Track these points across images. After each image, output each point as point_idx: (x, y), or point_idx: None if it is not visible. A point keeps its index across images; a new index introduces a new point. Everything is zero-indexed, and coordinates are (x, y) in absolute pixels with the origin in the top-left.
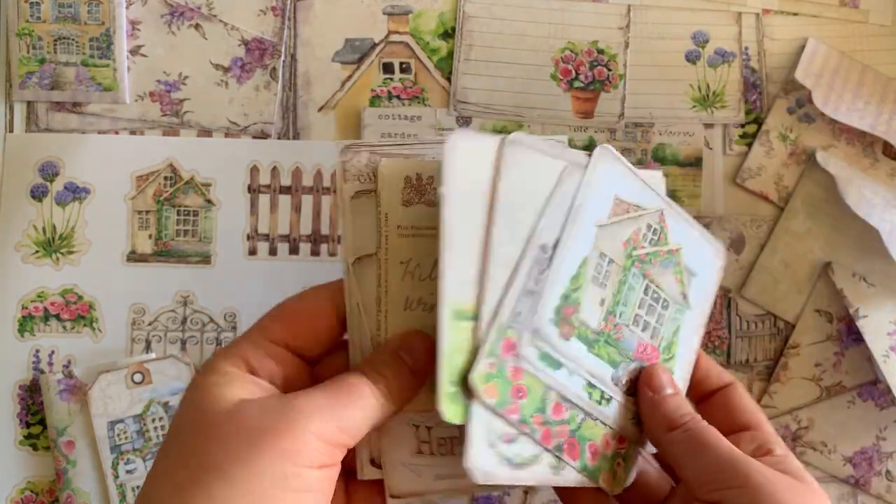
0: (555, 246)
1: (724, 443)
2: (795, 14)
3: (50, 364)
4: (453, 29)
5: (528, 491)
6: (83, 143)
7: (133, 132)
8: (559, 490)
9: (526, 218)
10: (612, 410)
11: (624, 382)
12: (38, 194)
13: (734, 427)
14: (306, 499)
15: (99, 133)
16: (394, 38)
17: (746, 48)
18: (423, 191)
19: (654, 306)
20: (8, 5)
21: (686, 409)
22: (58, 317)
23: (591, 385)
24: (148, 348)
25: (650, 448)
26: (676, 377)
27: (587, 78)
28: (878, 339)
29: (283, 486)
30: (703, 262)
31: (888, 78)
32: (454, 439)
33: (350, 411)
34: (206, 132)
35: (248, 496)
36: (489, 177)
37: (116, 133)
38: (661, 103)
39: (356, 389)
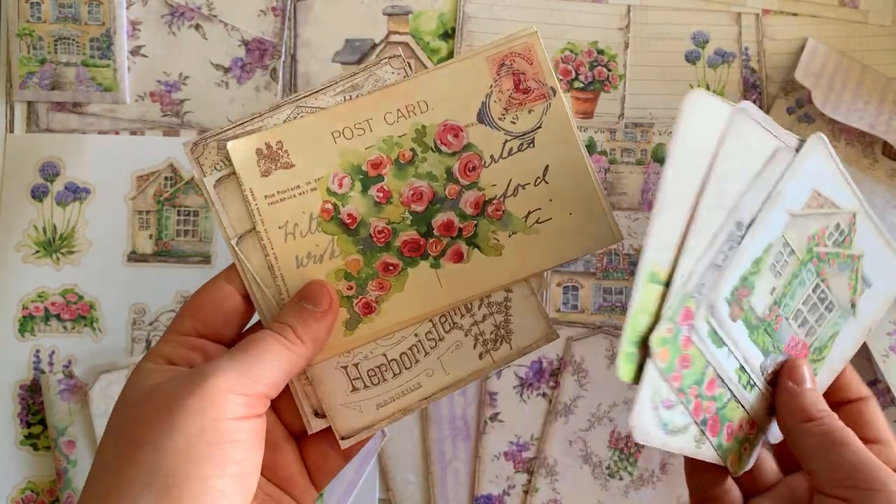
0: (749, 225)
1: (861, 444)
2: (795, 14)
3: (50, 364)
4: (453, 29)
5: (527, 490)
6: (83, 144)
7: (133, 132)
8: (689, 462)
9: (732, 190)
10: (753, 396)
11: (769, 372)
12: (38, 194)
13: (864, 439)
14: (231, 449)
15: (99, 133)
16: (394, 38)
17: (746, 48)
18: (277, 157)
19: (817, 306)
20: (8, 5)
21: (823, 405)
22: (58, 317)
23: (742, 369)
24: (148, 348)
25: (772, 437)
26: (818, 378)
27: (587, 78)
28: (877, 338)
29: (203, 440)
30: (884, 274)
31: (888, 78)
32: (383, 367)
33: (256, 362)
34: (206, 132)
35: (173, 455)
36: (714, 143)
37: (117, 133)
38: (661, 103)
39: (260, 342)
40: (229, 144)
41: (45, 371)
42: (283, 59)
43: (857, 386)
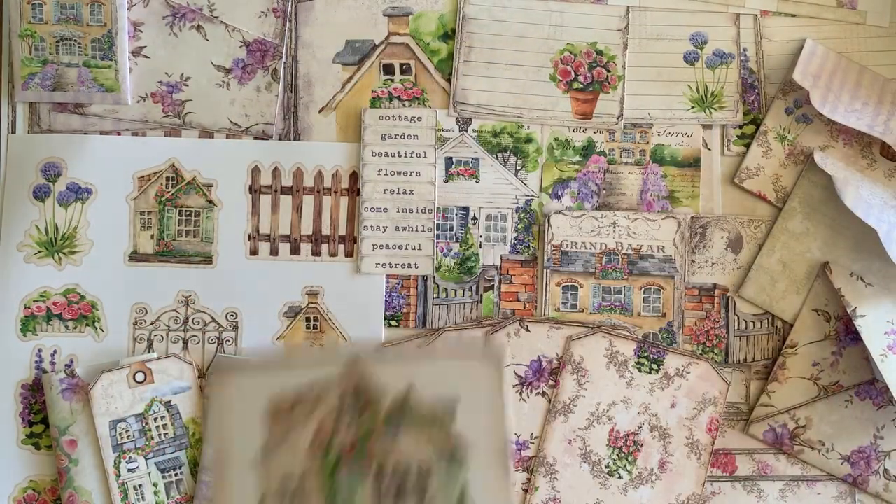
0: None
1: None
2: (793, 15)
3: (52, 363)
4: (453, 30)
5: (527, 489)
6: (85, 144)
7: (135, 133)
8: None
9: None
10: None
11: None
12: (40, 195)
13: None
14: None
15: (101, 134)
16: (394, 39)
17: (745, 49)
18: None
19: (402, 488)
20: (10, 7)
21: None
22: (60, 316)
23: None
24: (150, 348)
25: None
26: None
27: (586, 79)
28: (875, 338)
29: None
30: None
31: (886, 79)
32: None
33: None
34: (207, 133)
35: None
36: None
37: (118, 134)
38: (660, 104)
39: None
40: None
41: (47, 370)
42: (283, 59)
43: None
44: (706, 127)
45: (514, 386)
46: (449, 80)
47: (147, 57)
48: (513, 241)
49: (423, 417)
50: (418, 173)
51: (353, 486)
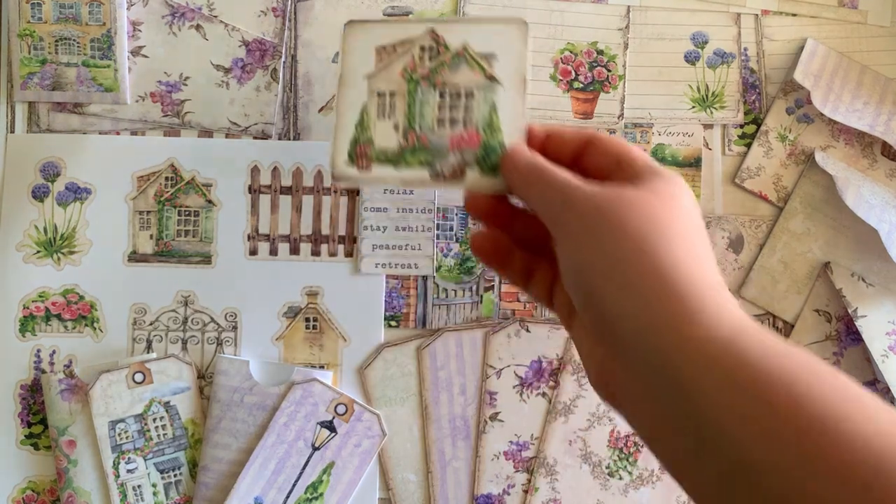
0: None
1: (559, 172)
2: (794, 15)
3: (51, 364)
4: None
5: (527, 490)
6: (84, 144)
7: (134, 133)
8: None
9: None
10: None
11: (447, 172)
12: (39, 194)
13: (609, 168)
14: None
15: (100, 133)
16: None
17: (745, 49)
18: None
19: (456, 103)
20: (9, 6)
21: (527, 152)
22: (59, 316)
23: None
24: (149, 348)
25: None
26: (511, 139)
27: (587, 78)
28: (876, 338)
29: None
30: (502, 43)
31: (887, 78)
32: None
33: None
34: (206, 133)
35: None
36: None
37: (117, 133)
38: (661, 104)
39: None
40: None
41: (46, 371)
42: (283, 59)
43: (571, 134)
44: (707, 127)
45: (513, 387)
46: None
47: (146, 56)
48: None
49: (473, 61)
50: None
51: (426, 97)
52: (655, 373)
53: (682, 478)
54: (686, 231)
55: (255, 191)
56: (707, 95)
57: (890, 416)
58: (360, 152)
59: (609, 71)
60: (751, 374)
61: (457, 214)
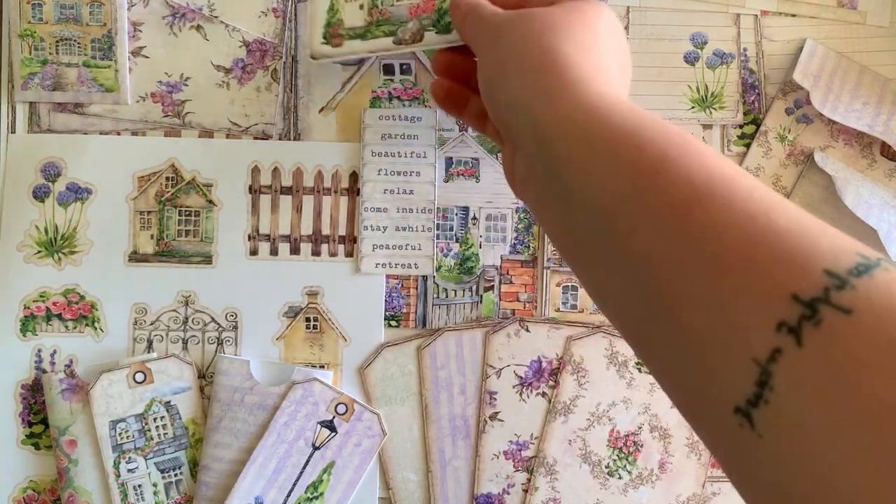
0: None
1: (487, 6)
2: (794, 15)
3: (52, 363)
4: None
5: (527, 489)
6: (85, 144)
7: (135, 133)
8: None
9: None
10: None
11: (408, 37)
12: (40, 195)
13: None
14: None
15: (101, 134)
16: None
17: (745, 49)
18: None
19: None
20: (10, 6)
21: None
22: (60, 316)
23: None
24: (149, 348)
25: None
26: None
27: None
28: None
29: None
30: None
31: (886, 79)
32: None
33: None
34: (207, 133)
35: None
36: None
37: (118, 134)
38: (660, 104)
39: None
40: None
41: (47, 370)
42: (283, 59)
43: None
44: (706, 127)
45: (513, 387)
46: None
47: (147, 57)
48: (513, 241)
49: None
50: (418, 173)
51: None
52: (537, 149)
53: (566, 253)
54: (586, 36)
55: (255, 191)
56: (706, 96)
57: (722, 160)
58: (333, 32)
59: None
60: (605, 132)
61: (456, 214)
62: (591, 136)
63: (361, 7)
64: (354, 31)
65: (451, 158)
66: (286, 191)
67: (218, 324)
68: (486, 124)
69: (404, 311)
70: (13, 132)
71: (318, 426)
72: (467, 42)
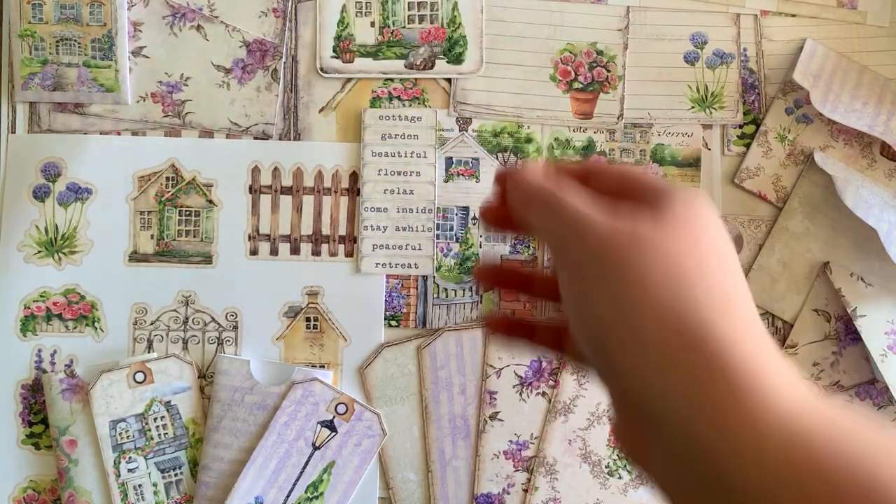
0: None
1: (569, 196)
2: (793, 15)
3: (52, 363)
4: None
5: (527, 489)
6: (85, 144)
7: (135, 133)
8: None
9: None
10: None
11: (419, 62)
12: (40, 195)
13: (614, 192)
14: None
15: (101, 134)
16: None
17: (745, 49)
18: None
19: (423, 1)
20: (10, 7)
21: (539, 177)
22: (60, 316)
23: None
24: (150, 348)
25: None
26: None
27: (586, 79)
28: (875, 338)
29: None
30: None
31: (886, 79)
32: None
33: None
34: (207, 133)
35: None
36: None
37: (118, 134)
38: (660, 104)
39: None
40: None
41: (47, 370)
42: (283, 59)
43: (573, 164)
44: (706, 127)
45: (513, 386)
46: (449, 80)
47: (147, 57)
48: (513, 240)
49: None
50: (418, 173)
51: None
52: (694, 460)
53: None
54: (722, 277)
55: (255, 191)
56: (706, 96)
57: None
58: (344, 47)
59: (608, 71)
60: (816, 480)
61: (456, 214)
62: (795, 481)
63: (373, 24)
64: (366, 49)
65: (451, 158)
66: (286, 191)
67: (218, 324)
68: (567, 340)
69: (404, 311)
70: (13, 132)
71: (319, 426)
72: (534, 235)
